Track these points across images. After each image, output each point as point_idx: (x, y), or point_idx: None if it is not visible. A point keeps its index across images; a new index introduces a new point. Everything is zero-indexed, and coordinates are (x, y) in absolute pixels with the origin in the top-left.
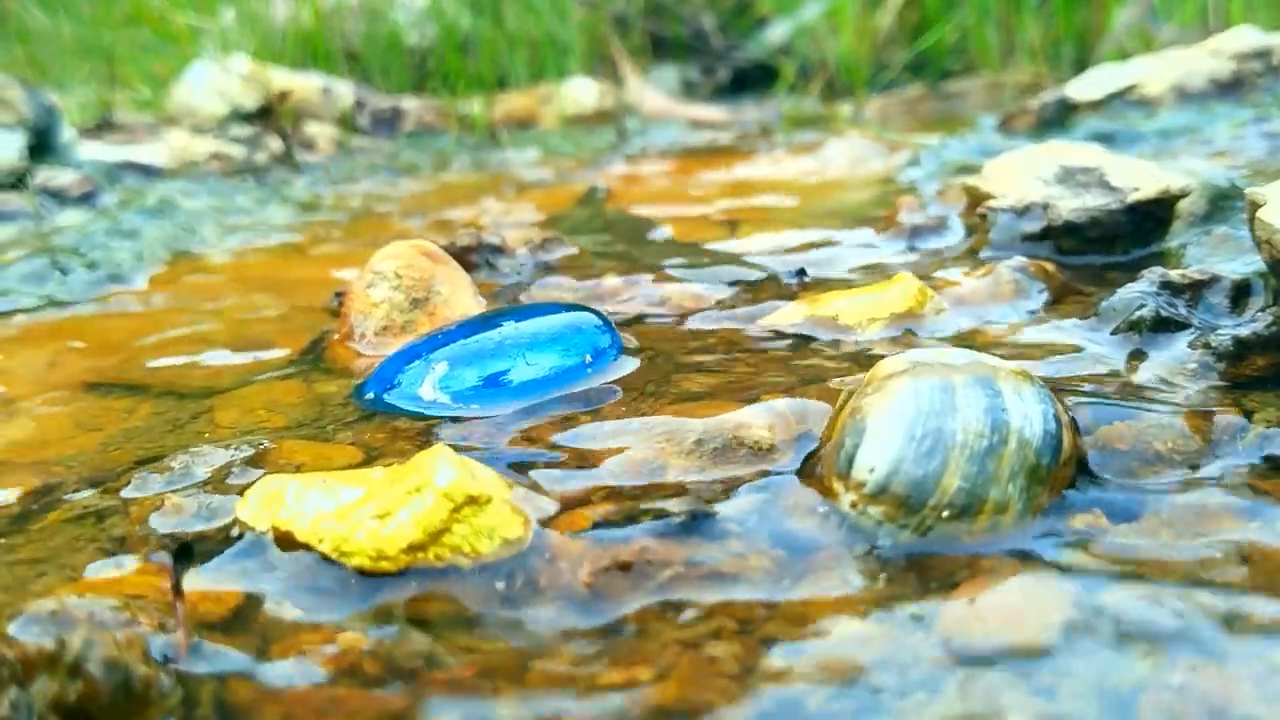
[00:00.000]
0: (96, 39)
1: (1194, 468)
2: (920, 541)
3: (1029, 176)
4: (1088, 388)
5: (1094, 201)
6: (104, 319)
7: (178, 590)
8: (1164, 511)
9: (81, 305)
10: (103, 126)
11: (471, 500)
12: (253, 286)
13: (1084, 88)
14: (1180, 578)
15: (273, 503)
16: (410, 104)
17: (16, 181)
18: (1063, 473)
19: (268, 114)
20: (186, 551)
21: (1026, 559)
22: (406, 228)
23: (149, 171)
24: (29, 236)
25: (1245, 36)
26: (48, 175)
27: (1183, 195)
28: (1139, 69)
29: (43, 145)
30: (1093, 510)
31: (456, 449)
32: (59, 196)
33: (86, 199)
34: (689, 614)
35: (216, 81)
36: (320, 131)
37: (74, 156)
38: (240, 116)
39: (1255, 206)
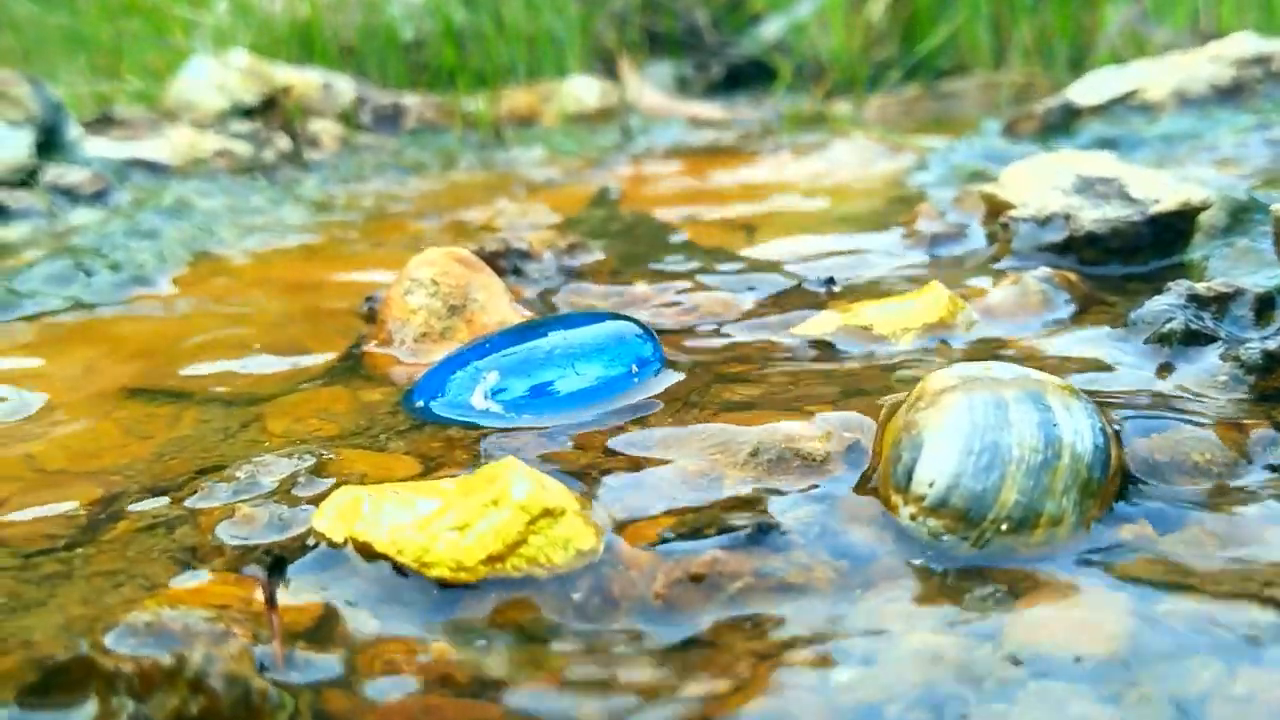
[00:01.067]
0: (87, 30)
1: (1231, 479)
2: (978, 554)
3: (1047, 186)
4: (1125, 400)
5: (1115, 213)
6: (134, 322)
7: (272, 602)
8: (1206, 523)
9: (108, 307)
10: (102, 121)
11: (547, 513)
12: (279, 290)
13: (1086, 92)
14: (1231, 588)
15: (349, 514)
16: (411, 100)
17: (26, 179)
18: (1111, 486)
19: (269, 109)
20: (280, 564)
21: (1082, 571)
22: (422, 229)
23: (157, 169)
24: (45, 236)
25: (1245, 42)
26: (58, 173)
27: (1204, 208)
28: (1139, 73)
29: (50, 142)
30: (1140, 521)
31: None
32: (71, 194)
33: (99, 197)
34: (761, 625)
35: (215, 76)
36: (324, 128)
37: (81, 154)
38: (241, 112)
39: None
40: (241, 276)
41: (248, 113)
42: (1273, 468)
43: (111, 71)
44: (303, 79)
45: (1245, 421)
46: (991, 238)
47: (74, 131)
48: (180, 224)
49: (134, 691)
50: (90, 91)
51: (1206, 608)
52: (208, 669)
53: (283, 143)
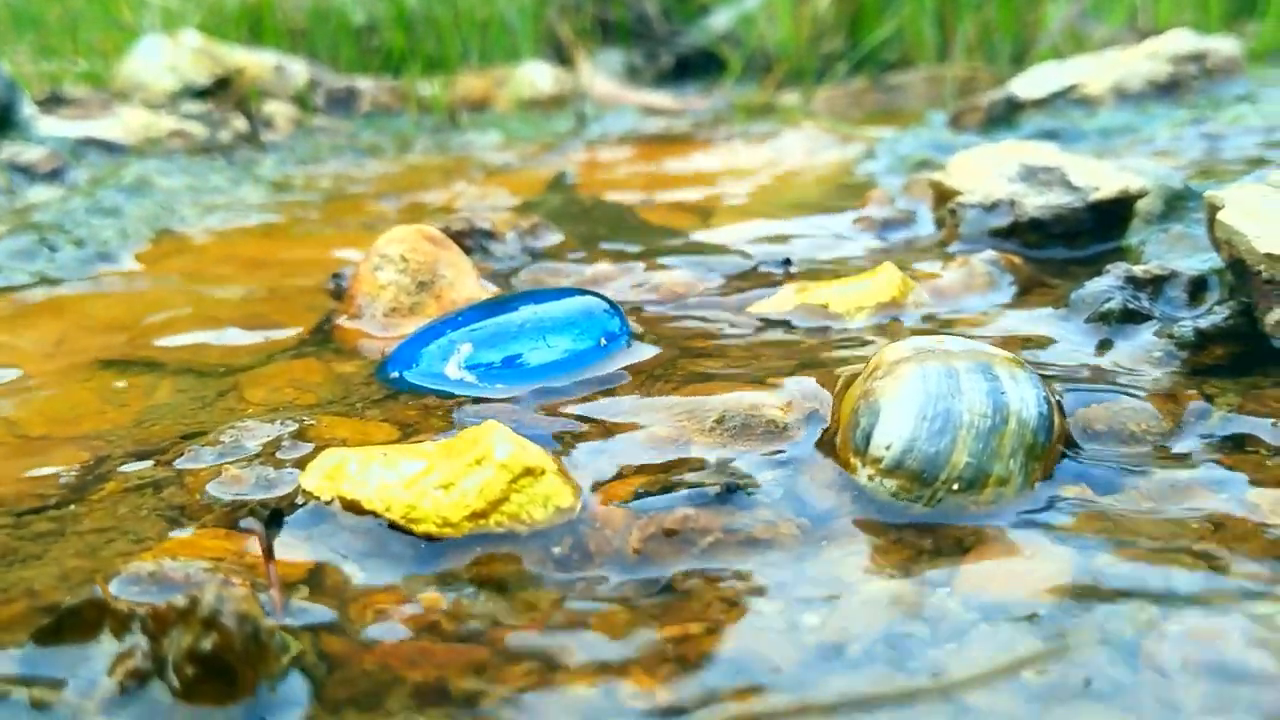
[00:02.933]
0: (35, 9)
1: (1165, 446)
2: (931, 512)
3: (993, 174)
4: (1067, 373)
5: (1058, 200)
6: (101, 297)
7: (270, 553)
8: (1142, 485)
9: (74, 283)
10: (53, 100)
11: (528, 471)
12: (243, 267)
13: (1028, 86)
14: (1164, 543)
15: (336, 474)
16: (365, 84)
17: None
18: (1054, 450)
19: (221, 91)
20: (277, 517)
21: (1028, 527)
22: (382, 209)
23: (112, 148)
24: (4, 213)
25: (1181, 40)
26: (13, 150)
27: (1141, 195)
28: (1079, 69)
29: (4, 120)
30: (1080, 483)
31: None
32: (27, 172)
33: (55, 175)
34: (731, 576)
35: (167, 56)
36: (278, 110)
37: (35, 132)
38: (192, 93)
39: (1214, 209)
40: (205, 254)
41: (199, 94)
42: (1204, 436)
43: (59, 50)
44: (255, 61)
45: (1179, 393)
46: (939, 223)
47: (28, 110)
48: (141, 202)
49: (148, 631)
50: (37, 71)
51: (1142, 560)
52: (220, 608)
53: (239, 124)
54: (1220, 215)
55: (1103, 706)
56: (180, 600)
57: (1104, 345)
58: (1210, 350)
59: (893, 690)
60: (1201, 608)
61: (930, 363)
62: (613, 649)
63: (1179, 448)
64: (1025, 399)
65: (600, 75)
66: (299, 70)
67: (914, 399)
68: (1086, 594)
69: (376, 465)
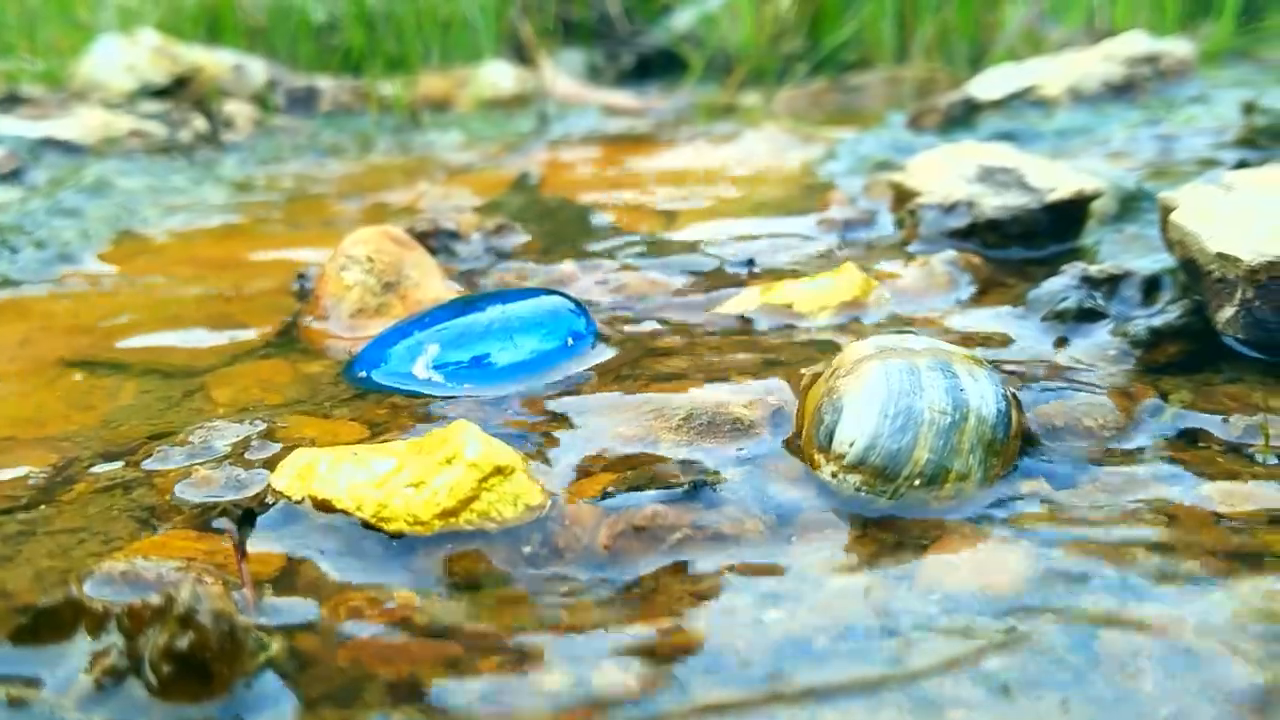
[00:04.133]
0: None
1: (1120, 441)
2: (893, 506)
3: (951, 175)
4: (1025, 370)
5: (1015, 201)
6: (64, 298)
7: (242, 551)
8: (1099, 479)
9: (36, 284)
10: (9, 100)
11: (498, 470)
12: (206, 268)
13: (986, 87)
14: (1120, 536)
15: (306, 473)
16: (326, 83)
17: None
18: (1013, 445)
19: (179, 90)
20: (250, 516)
21: (987, 521)
22: (344, 210)
23: (70, 149)
24: None
25: (1136, 42)
26: None
27: (1096, 196)
28: (1036, 70)
29: None
30: (1038, 478)
31: None
32: None
33: (14, 176)
34: (699, 571)
35: (125, 56)
36: (238, 110)
37: None
38: (150, 92)
39: (1167, 210)
40: (166, 255)
41: (157, 93)
42: (1157, 432)
43: (15, 49)
44: (213, 60)
45: (1133, 390)
46: (899, 223)
47: None
48: (101, 203)
49: (124, 629)
50: None
51: (1099, 553)
52: (196, 606)
53: (198, 123)
54: (1173, 216)
55: (1063, 695)
56: (156, 599)
57: (1060, 343)
58: (1163, 348)
59: (858, 679)
60: (1157, 598)
61: (892, 360)
62: (584, 643)
63: (1133, 443)
64: (984, 396)
65: (562, 75)
66: (258, 69)
67: (876, 396)
68: (1045, 586)
69: (347, 464)
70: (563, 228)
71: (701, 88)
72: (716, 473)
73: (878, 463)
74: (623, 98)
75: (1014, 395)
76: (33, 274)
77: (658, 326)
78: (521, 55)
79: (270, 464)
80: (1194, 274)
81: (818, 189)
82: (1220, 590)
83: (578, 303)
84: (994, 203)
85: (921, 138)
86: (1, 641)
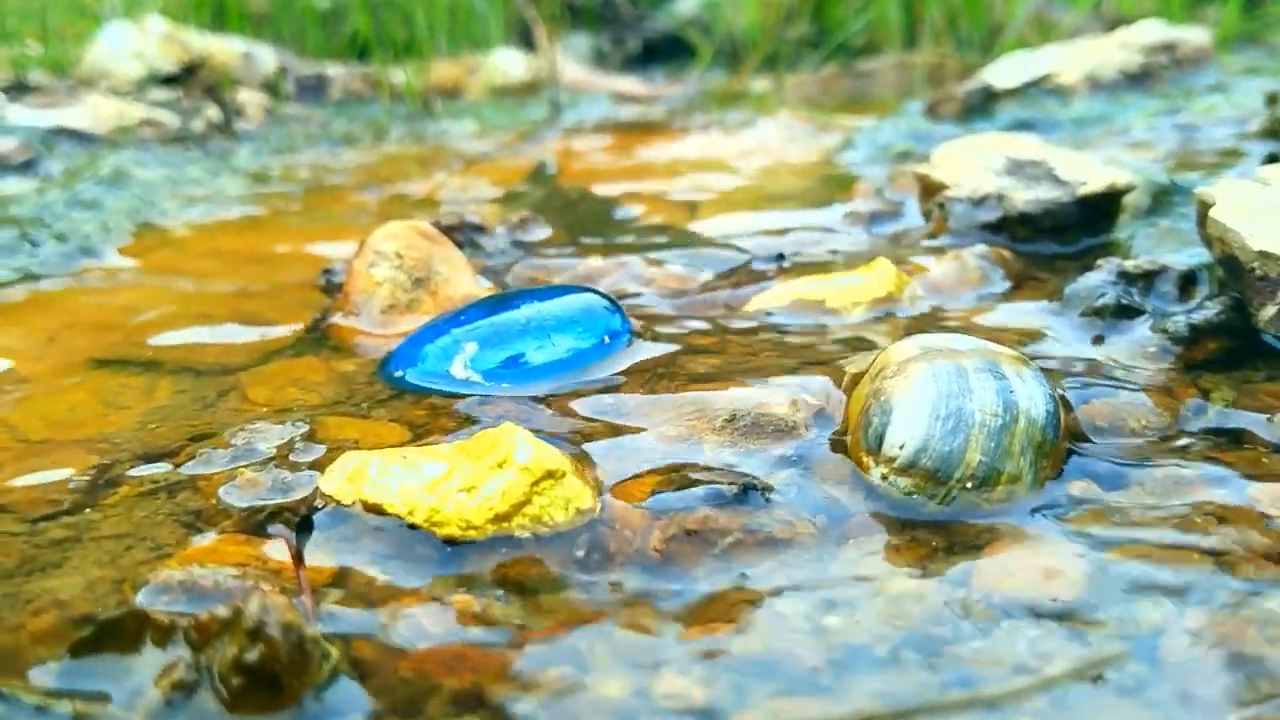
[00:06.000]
0: None
1: (1164, 441)
2: (944, 510)
3: (979, 167)
4: (1068, 369)
5: (1046, 194)
6: (88, 293)
7: (300, 558)
8: (1146, 480)
9: (58, 279)
10: (18, 88)
11: (549, 474)
12: (229, 261)
13: (1002, 75)
14: (1170, 539)
15: (357, 477)
16: (335, 71)
17: None
18: (1062, 446)
19: (188, 78)
20: (307, 523)
21: (1039, 524)
22: (363, 201)
23: (83, 138)
24: None
25: (1152, 30)
26: None
27: (1128, 190)
28: (1052, 58)
29: None
30: (1086, 479)
31: None
32: (0, 164)
33: (28, 166)
34: (753, 575)
35: (133, 43)
36: (249, 98)
37: (3, 122)
38: (158, 80)
39: (1205, 206)
40: (188, 248)
41: (166, 81)
42: (1201, 431)
43: (20, 35)
44: (223, 47)
45: (1175, 389)
46: (927, 215)
47: None
48: (120, 194)
49: (191, 641)
50: None
51: (1152, 555)
52: (265, 619)
53: (210, 112)
54: (1213, 213)
55: (1126, 702)
56: (223, 611)
57: (1099, 340)
58: (1203, 345)
59: (928, 703)
60: (1214, 603)
61: (939, 361)
62: (642, 650)
63: (1178, 442)
64: (1033, 397)
65: (570, 61)
66: (267, 57)
67: (927, 398)
68: (1101, 590)
69: (397, 468)
70: (585, 220)
71: (709, 73)
72: (762, 475)
73: (929, 466)
74: (632, 84)
75: (1062, 395)
76: (54, 268)
77: (691, 323)
78: (530, 41)
79: (316, 466)
80: (1234, 271)
81: (840, 179)
82: (1278, 596)
83: (612, 300)
84: (1025, 196)
85: (940, 126)
86: (62, 655)
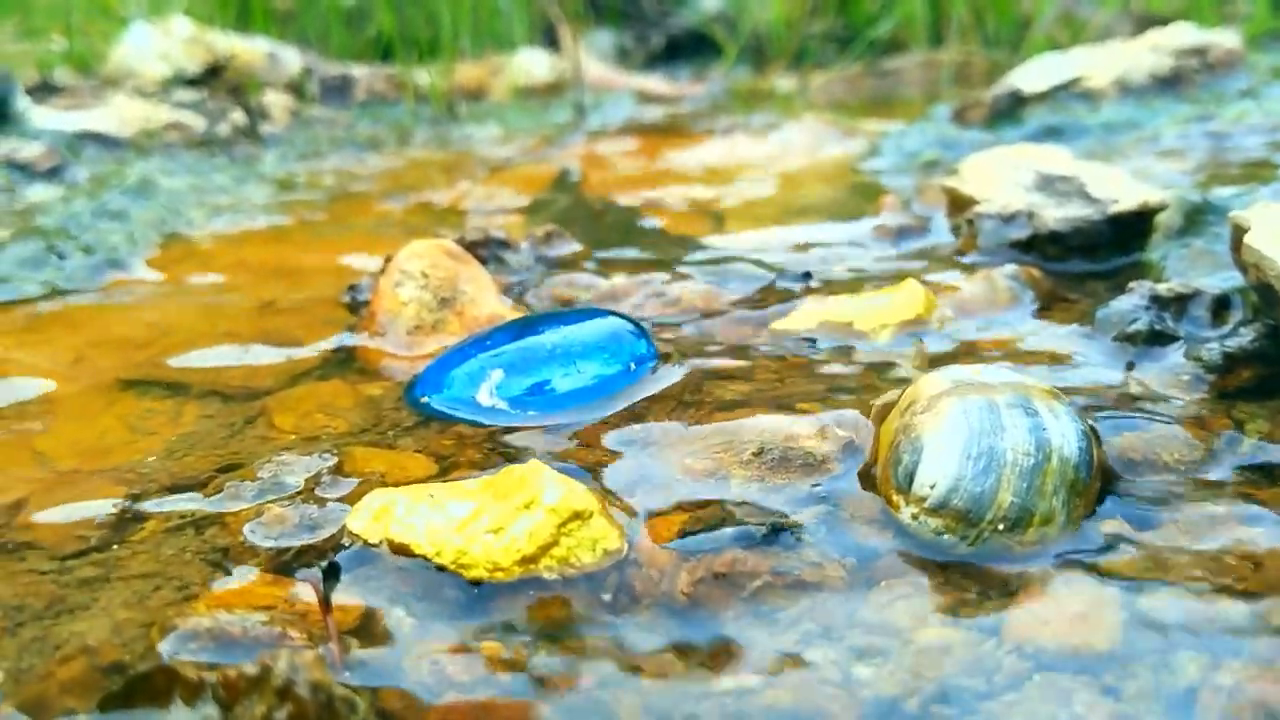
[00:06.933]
0: None
1: (1198, 476)
2: (975, 552)
3: (1009, 182)
4: (1099, 400)
5: (1077, 212)
6: (115, 309)
7: (328, 605)
8: (1179, 520)
9: (85, 293)
10: (43, 89)
11: (576, 515)
12: (255, 274)
13: (1030, 79)
14: (1207, 583)
15: (383, 515)
16: (360, 72)
17: None
18: (1094, 485)
19: (213, 78)
20: (335, 570)
21: (1072, 568)
22: (389, 210)
23: (109, 142)
24: (6, 215)
25: (1183, 33)
26: (11, 147)
27: (1161, 209)
28: (1081, 61)
29: None
30: (1118, 518)
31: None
32: (26, 170)
33: (55, 173)
34: (781, 621)
35: (158, 44)
36: (274, 100)
37: (30, 125)
38: (183, 80)
39: (1240, 231)
40: (215, 260)
41: (190, 81)
42: (1235, 465)
43: (44, 32)
44: (247, 48)
45: (1209, 420)
46: (956, 231)
47: (22, 102)
48: (146, 204)
49: (219, 699)
50: (18, 50)
51: (1187, 602)
52: (294, 677)
53: (235, 115)
54: (1248, 239)
55: None
56: (251, 669)
57: (1130, 367)
58: (1237, 373)
59: None
60: (1251, 654)
61: (970, 397)
62: (672, 700)
63: (1212, 476)
64: (1066, 434)
65: (594, 59)
66: (292, 58)
67: (957, 436)
68: (1137, 640)
69: (424, 507)
70: (609, 232)
71: (734, 70)
72: (787, 515)
73: (960, 506)
74: (656, 83)
75: (1093, 429)
76: (81, 281)
77: (716, 345)
78: (554, 40)
79: (343, 501)
80: (1269, 298)
81: (866, 189)
82: None
83: (638, 324)
84: (1055, 214)
85: (968, 132)
86: (92, 709)
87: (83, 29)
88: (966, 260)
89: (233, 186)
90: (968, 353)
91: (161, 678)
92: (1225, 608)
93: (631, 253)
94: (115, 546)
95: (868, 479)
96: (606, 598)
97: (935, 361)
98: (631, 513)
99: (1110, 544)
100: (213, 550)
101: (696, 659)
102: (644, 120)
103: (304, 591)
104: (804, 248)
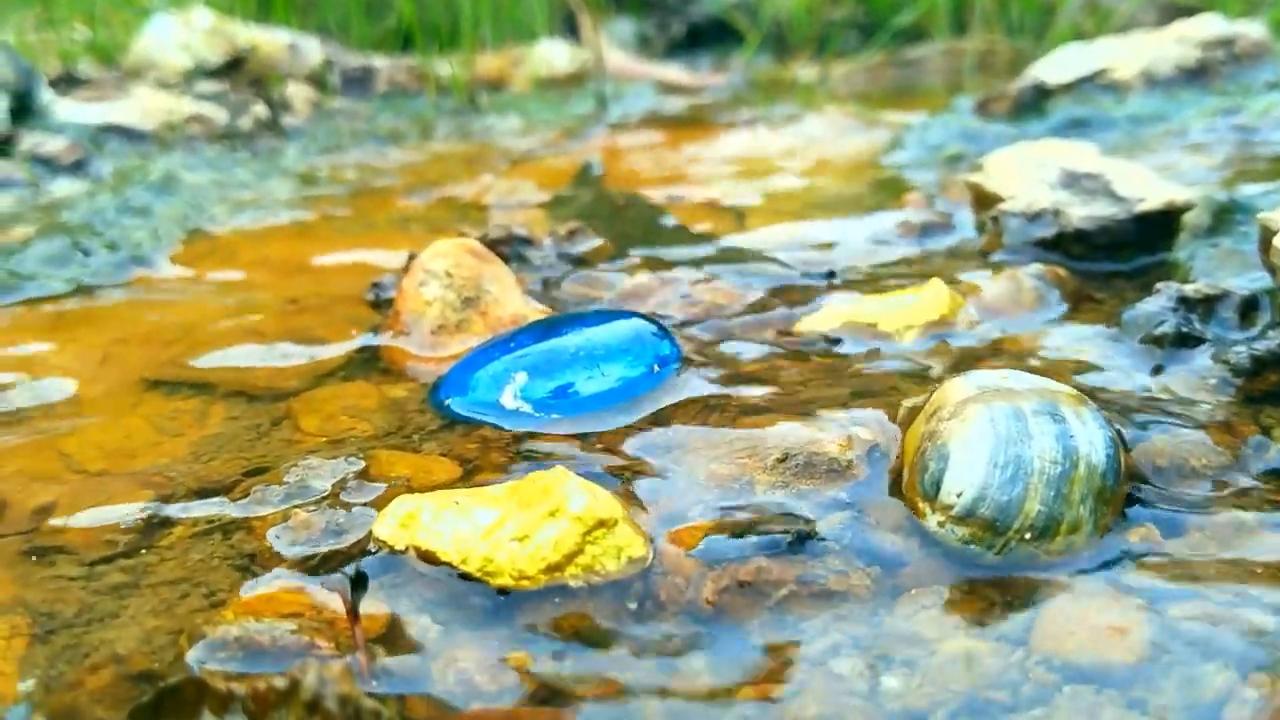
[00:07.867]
0: None
1: (1225, 482)
2: (1001, 561)
3: (1034, 179)
4: (1126, 404)
5: (1103, 210)
6: (140, 306)
7: (355, 615)
8: (1206, 527)
9: (111, 290)
10: (66, 80)
11: (601, 523)
12: (279, 272)
13: (1054, 70)
14: (1234, 593)
15: (410, 522)
16: (381, 63)
17: (3, 146)
18: (1121, 492)
19: (235, 70)
20: (363, 579)
21: (1099, 576)
22: (411, 206)
23: (132, 135)
24: (31, 209)
25: (1210, 24)
26: (35, 141)
27: (1187, 208)
28: (1106, 52)
29: (23, 108)
30: (1147, 525)
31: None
32: (50, 164)
33: (78, 167)
34: (807, 631)
35: (179, 35)
36: (295, 92)
37: (54, 118)
38: (205, 72)
39: (1269, 232)
40: (238, 257)
41: (212, 73)
42: (1263, 471)
43: (64, 22)
44: (268, 39)
45: (1235, 425)
46: (980, 228)
47: (46, 95)
48: (170, 200)
49: (248, 712)
50: (40, 40)
51: (1214, 612)
52: (322, 691)
53: (257, 108)
54: (1276, 241)
55: None
56: (280, 681)
57: (1157, 370)
58: (1265, 377)
59: None
60: (1276, 668)
61: (997, 403)
62: (697, 713)
63: (1239, 483)
64: (1093, 442)
65: (615, 49)
66: (313, 49)
67: (984, 444)
68: (1163, 654)
69: (450, 514)
70: (632, 229)
71: (755, 60)
72: (813, 521)
73: (987, 515)
74: (677, 72)
75: (1119, 435)
76: (106, 278)
77: (740, 345)
78: (574, 29)
79: (370, 506)
80: None
81: (889, 184)
82: None
83: (661, 325)
84: (1081, 212)
85: (991, 125)
86: (120, 719)
87: (105, 19)
88: (991, 258)
89: (255, 181)
90: (994, 354)
91: (191, 689)
92: (1253, 618)
93: (654, 250)
94: (143, 552)
95: (894, 483)
96: (632, 606)
97: (961, 363)
98: (656, 519)
99: (1137, 552)
100: (240, 556)
101: (722, 669)
102: (665, 112)
103: (331, 599)
104: (827, 245)
